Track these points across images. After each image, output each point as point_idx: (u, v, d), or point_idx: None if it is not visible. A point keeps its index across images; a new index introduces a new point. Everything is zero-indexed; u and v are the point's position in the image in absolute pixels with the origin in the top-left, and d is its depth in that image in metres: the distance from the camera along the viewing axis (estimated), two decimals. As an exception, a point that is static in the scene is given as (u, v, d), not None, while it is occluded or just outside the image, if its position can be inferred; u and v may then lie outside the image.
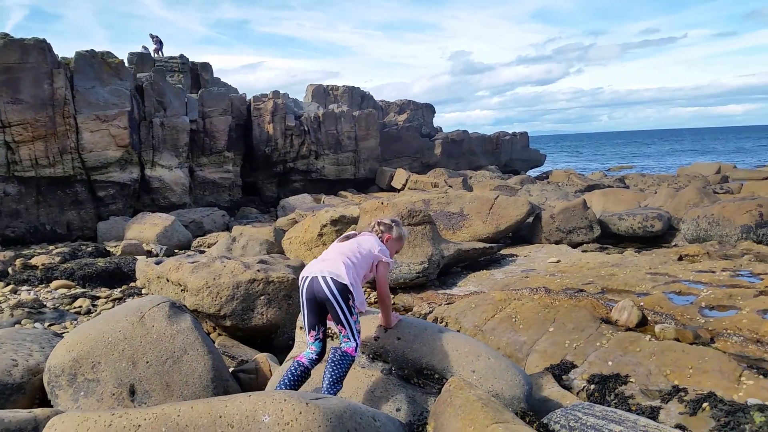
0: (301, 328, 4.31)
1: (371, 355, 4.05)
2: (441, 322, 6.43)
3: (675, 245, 10.56)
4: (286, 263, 6.44)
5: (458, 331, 6.06)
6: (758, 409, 3.76)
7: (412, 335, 3.98)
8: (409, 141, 29.83)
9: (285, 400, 2.63)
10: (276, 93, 23.26)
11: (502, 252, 10.41)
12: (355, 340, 3.58)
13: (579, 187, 23.16)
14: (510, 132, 37.87)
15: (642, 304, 5.67)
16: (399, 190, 22.64)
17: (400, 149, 29.31)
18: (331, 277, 3.57)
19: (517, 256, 10.31)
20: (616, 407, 4.20)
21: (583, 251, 10.32)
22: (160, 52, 24.19)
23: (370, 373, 3.96)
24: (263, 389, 4.28)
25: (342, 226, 9.69)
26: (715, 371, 4.28)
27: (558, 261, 9.27)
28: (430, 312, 6.86)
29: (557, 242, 11.21)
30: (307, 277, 3.65)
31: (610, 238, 11.48)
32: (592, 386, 4.49)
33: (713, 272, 6.75)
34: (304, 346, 4.22)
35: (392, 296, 8.01)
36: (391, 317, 4.03)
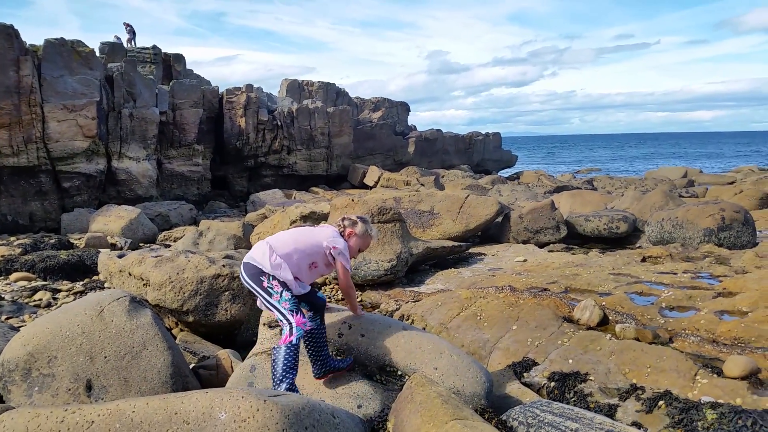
0: (264, 324, 4.28)
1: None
2: (407, 320, 6.44)
3: (639, 247, 10.75)
4: (253, 258, 6.38)
5: (424, 328, 6.10)
6: (710, 407, 3.85)
7: (376, 332, 3.98)
8: (382, 139, 29.84)
9: (242, 397, 2.60)
10: (249, 86, 23.04)
11: (470, 251, 10.47)
12: (287, 320, 3.45)
13: (548, 188, 23.45)
14: (483, 132, 38.15)
15: (604, 303, 5.76)
16: (371, 188, 22.63)
17: (374, 147, 29.31)
18: (245, 262, 3.61)
19: (485, 254, 10.39)
20: (575, 405, 4.26)
21: (549, 251, 10.44)
22: (132, 42, 23.78)
23: (333, 370, 3.95)
24: (223, 386, 4.24)
25: (312, 222, 9.65)
26: (672, 370, 4.37)
27: (524, 260, 9.37)
28: (397, 309, 6.87)
29: (525, 242, 11.32)
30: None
31: (576, 238, 11.64)
32: (553, 384, 4.54)
33: (675, 274, 6.89)
34: (267, 342, 4.21)
35: (359, 293, 8.03)
36: (357, 307, 4.07)
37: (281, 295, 3.50)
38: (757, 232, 10.54)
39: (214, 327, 5.95)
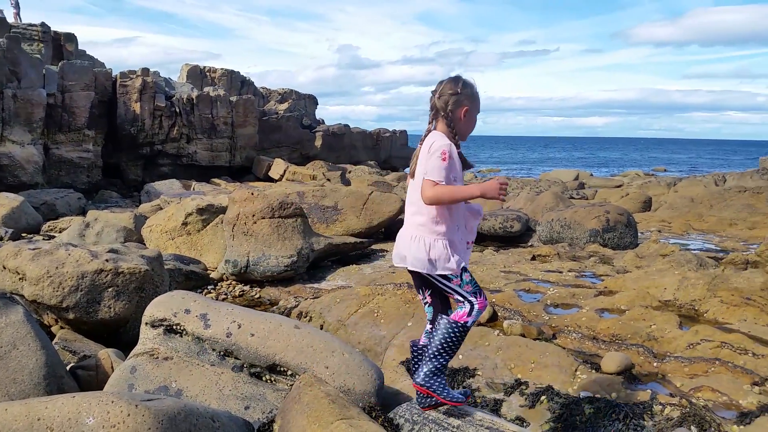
0: (147, 323, 4.07)
1: (222, 352, 3.90)
2: (306, 317, 6.38)
3: (531, 245, 11.24)
4: (141, 253, 6.06)
5: (322, 326, 6.06)
6: (588, 402, 4.07)
7: (267, 331, 3.88)
8: (289, 131, 29.40)
9: (112, 402, 2.44)
10: (145, 70, 21.95)
11: (373, 247, 10.54)
12: (468, 301, 2.94)
13: (452, 186, 24.03)
14: (391, 129, 38.56)
15: (494, 300, 5.96)
16: (277, 181, 22.25)
17: (280, 139, 28.82)
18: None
19: (387, 251, 10.49)
20: (463, 400, 4.38)
21: (449, 248, 10.70)
22: (18, 17, 22.02)
23: (220, 371, 3.82)
24: (102, 387, 4.00)
25: (209, 215, 9.32)
26: (554, 366, 4.59)
27: (425, 257, 9.54)
28: (296, 306, 6.78)
29: (426, 239, 11.53)
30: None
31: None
32: (443, 380, 4.64)
33: (560, 272, 7.25)
34: (149, 342, 4.00)
35: (258, 289, 7.86)
36: (474, 188, 2.86)
37: (461, 278, 2.96)
38: (639, 234, 11.31)
39: (97, 325, 5.60)
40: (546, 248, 9.38)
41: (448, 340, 2.92)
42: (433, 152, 2.82)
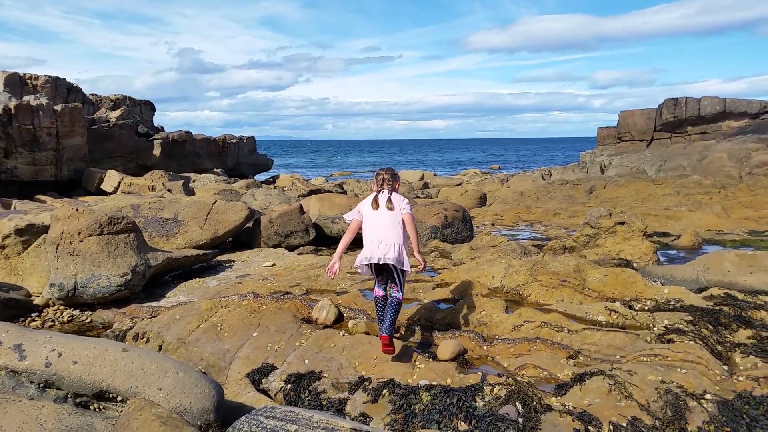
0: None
1: (41, 384, 3.59)
2: (143, 338, 6.03)
3: (379, 245, 11.58)
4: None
5: (161, 345, 5.77)
6: (426, 389, 4.27)
7: (91, 357, 3.63)
8: (123, 140, 27.51)
9: None
10: (-51, 78, 19.45)
11: (220, 258, 10.20)
12: (402, 289, 4.92)
13: (302, 191, 24.02)
14: (238, 135, 37.56)
15: (340, 302, 6.06)
16: (110, 194, 20.73)
17: (113, 148, 26.87)
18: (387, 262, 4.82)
19: (234, 261, 10.22)
20: (309, 404, 4.40)
21: (299, 254, 10.67)
22: None
23: (40, 405, 3.51)
24: None
25: (30, 236, 8.48)
26: (395, 359, 4.76)
27: (273, 264, 9.43)
28: (131, 328, 6.37)
29: (276, 246, 11.40)
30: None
31: (324, 240, 12.08)
32: (289, 386, 4.62)
33: (403, 269, 7.54)
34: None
35: (89, 312, 7.29)
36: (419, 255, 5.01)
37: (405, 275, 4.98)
38: (475, 228, 12.09)
39: None
40: (390, 247, 9.69)
41: (398, 310, 4.84)
42: (405, 202, 4.95)
